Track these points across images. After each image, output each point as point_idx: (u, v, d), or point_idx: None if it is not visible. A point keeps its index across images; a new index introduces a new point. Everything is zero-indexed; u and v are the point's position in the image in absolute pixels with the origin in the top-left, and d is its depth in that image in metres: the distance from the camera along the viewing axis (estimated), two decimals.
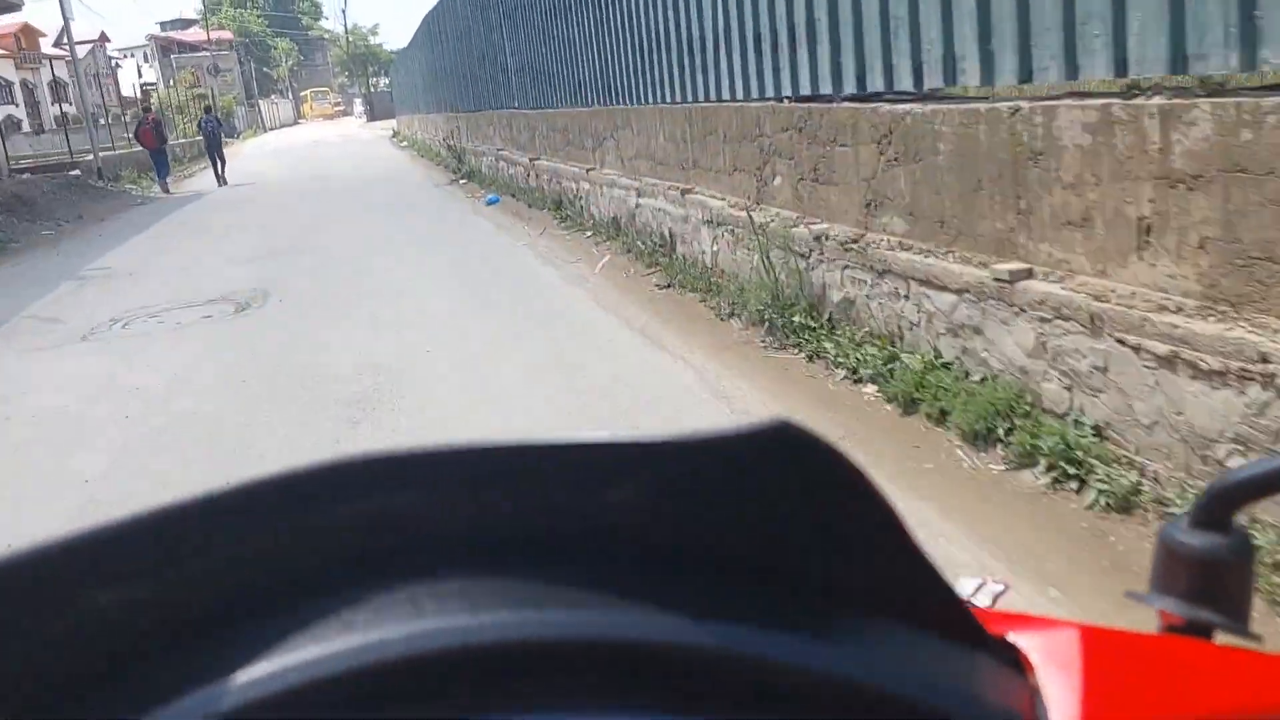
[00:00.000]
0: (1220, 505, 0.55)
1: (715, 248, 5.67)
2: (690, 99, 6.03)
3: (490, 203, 11.66)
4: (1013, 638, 0.45)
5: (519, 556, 0.36)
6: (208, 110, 22.35)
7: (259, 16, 71.93)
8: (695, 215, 5.96)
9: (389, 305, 6.57)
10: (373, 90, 61.22)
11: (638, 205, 7.17)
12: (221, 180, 20.43)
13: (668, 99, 6.45)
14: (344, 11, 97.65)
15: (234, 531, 0.34)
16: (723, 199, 5.58)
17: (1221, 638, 0.54)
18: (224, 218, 13.65)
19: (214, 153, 20.93)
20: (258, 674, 0.32)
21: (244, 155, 34.05)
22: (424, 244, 9.22)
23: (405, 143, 28.63)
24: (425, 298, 6.68)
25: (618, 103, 7.64)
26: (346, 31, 64.96)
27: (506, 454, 0.35)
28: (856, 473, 0.36)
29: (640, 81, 6.96)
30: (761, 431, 0.35)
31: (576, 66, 8.68)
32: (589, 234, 8.30)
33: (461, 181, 14.95)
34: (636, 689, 0.34)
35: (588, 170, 8.59)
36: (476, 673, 0.33)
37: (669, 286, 6.04)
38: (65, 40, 59.08)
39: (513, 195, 11.70)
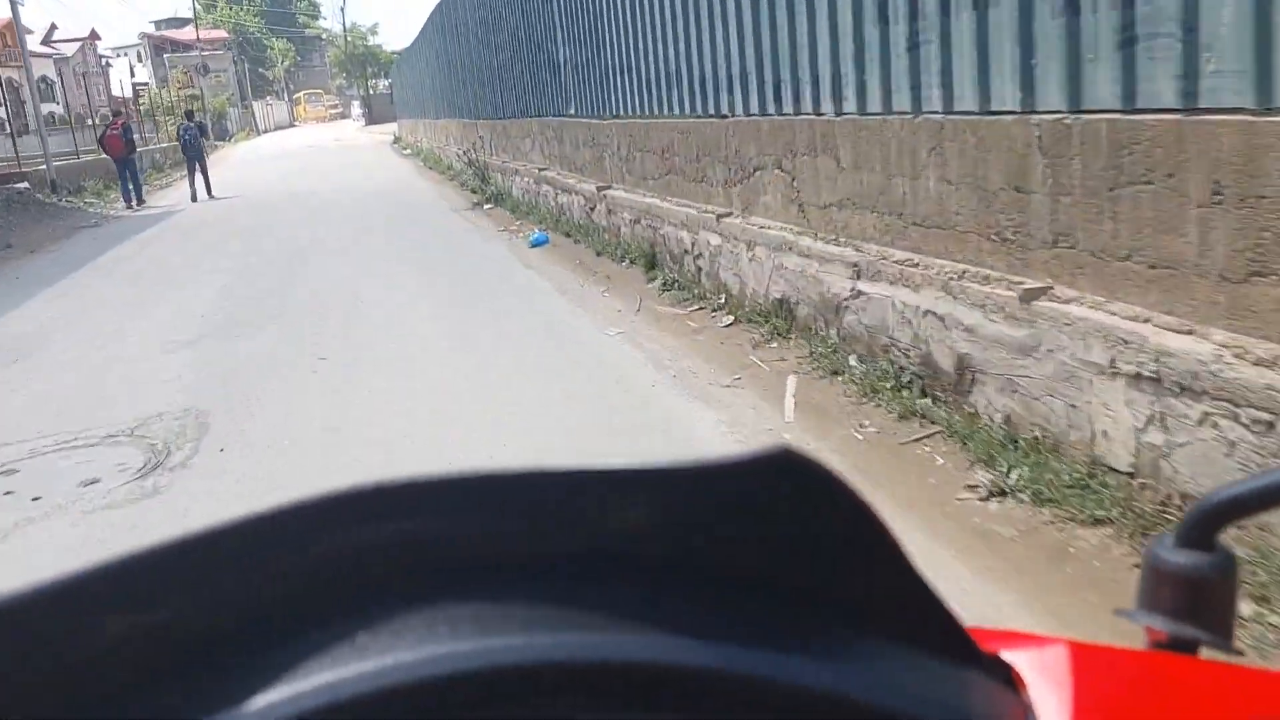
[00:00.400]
0: (1205, 524, 0.55)
1: (1161, 437, 2.50)
2: (1082, 104, 2.85)
3: (536, 243, 8.47)
4: (1005, 655, 0.45)
5: (531, 581, 0.36)
6: (189, 115, 19.11)
7: (255, 15, 68.31)
8: (1070, 349, 2.78)
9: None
10: (371, 92, 57.77)
11: (855, 293, 3.98)
12: (198, 195, 17.46)
13: (976, 103, 3.27)
14: (342, 9, 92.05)
15: (248, 559, 0.34)
16: (1198, 333, 2.42)
17: (1206, 653, 0.54)
18: (184, 252, 10.45)
19: (194, 164, 17.86)
20: (272, 700, 0.32)
21: (232, 160, 30.80)
22: (457, 318, 6.03)
23: (409, 150, 25.40)
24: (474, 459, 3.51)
25: (799, 110, 4.47)
26: (345, 30, 61.13)
27: (518, 481, 0.36)
28: (857, 499, 0.37)
29: (872, 68, 3.79)
30: (765, 459, 0.35)
31: (699, 52, 5.51)
32: (726, 318, 5.13)
33: (487, 207, 11.75)
34: (647, 709, 0.34)
35: (718, 215, 5.40)
36: (490, 696, 0.33)
37: (1003, 495, 2.87)
38: (51, 37, 56.32)
39: (567, 235, 8.52)
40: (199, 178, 17.81)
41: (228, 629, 0.34)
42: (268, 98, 68.12)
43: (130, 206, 17.49)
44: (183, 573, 0.33)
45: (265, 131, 57.21)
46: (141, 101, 42.07)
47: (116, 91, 49.61)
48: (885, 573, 0.38)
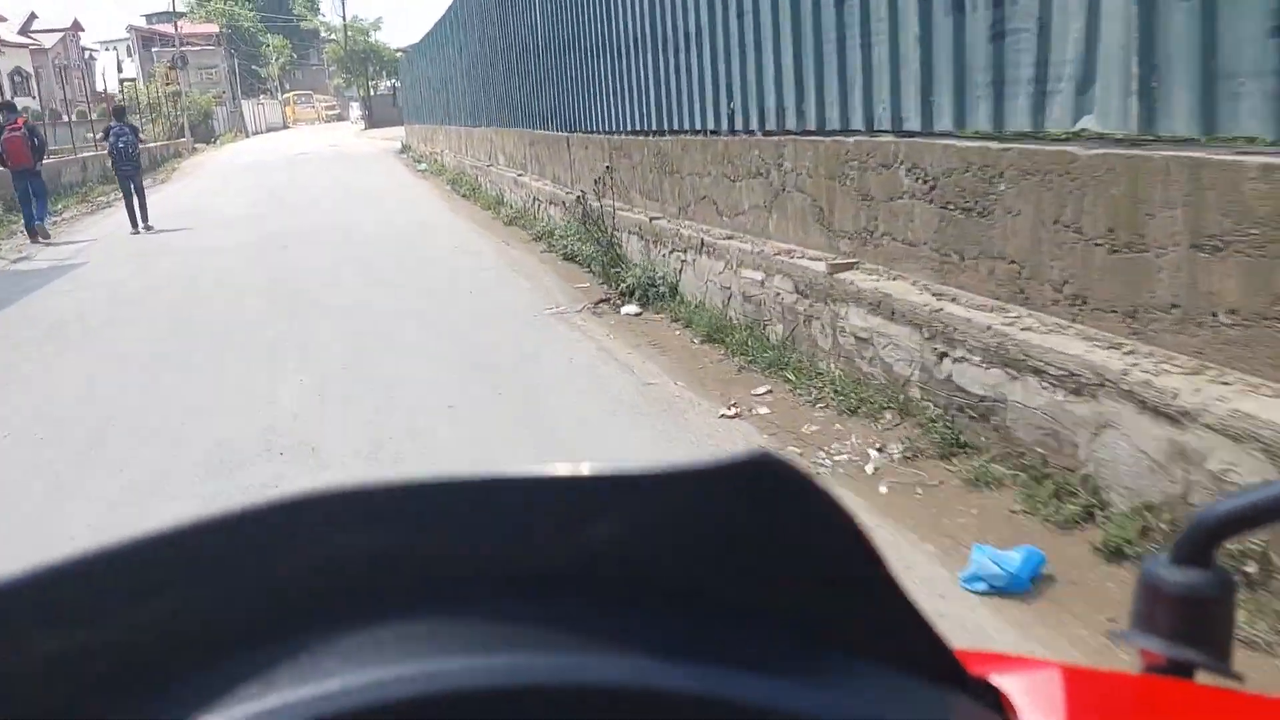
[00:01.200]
0: (1202, 541, 0.50)
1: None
2: None
3: (1010, 585, 2.38)
4: (994, 679, 0.41)
5: (490, 596, 0.32)
6: (118, 114, 12.86)
7: (251, 10, 61.38)
8: None
9: None
10: (372, 93, 51.10)
11: None
12: (136, 224, 11.85)
13: None
14: (342, 1, 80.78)
15: (182, 576, 0.30)
16: None
17: (1203, 677, 0.49)
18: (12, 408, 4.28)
19: (127, 183, 11.89)
20: None
21: (210, 168, 24.43)
22: None
23: (424, 165, 19.08)
24: None
25: None
26: (345, 24, 54.00)
27: (476, 488, 0.32)
28: (837, 507, 0.33)
29: None
30: (741, 463, 0.32)
31: None
32: None
33: (627, 310, 5.62)
34: None
35: None
36: None
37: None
38: (30, 26, 49.39)
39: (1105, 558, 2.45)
40: (135, 201, 11.92)
41: (163, 652, 0.30)
42: (260, 97, 61.28)
43: (35, 238, 11.51)
44: (114, 590, 0.29)
45: (255, 133, 50.52)
46: (121, 94, 35.63)
47: (102, 87, 43.30)
48: (867, 590, 0.35)
